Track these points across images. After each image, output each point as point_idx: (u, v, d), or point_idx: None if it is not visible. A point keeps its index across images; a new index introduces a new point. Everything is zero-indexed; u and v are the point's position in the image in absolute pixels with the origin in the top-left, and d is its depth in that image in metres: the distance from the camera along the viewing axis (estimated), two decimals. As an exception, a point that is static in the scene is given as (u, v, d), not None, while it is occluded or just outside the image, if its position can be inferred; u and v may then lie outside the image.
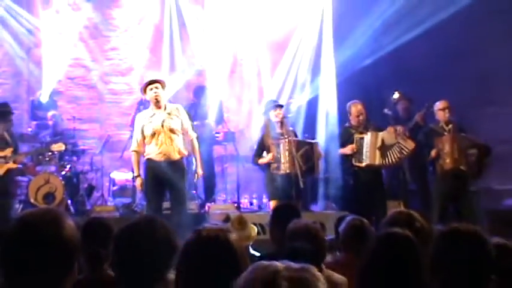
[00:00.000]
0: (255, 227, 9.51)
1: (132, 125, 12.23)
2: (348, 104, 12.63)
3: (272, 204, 11.48)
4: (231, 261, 3.26)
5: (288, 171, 11.78)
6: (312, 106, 15.25)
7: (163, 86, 10.93)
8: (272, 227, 7.25)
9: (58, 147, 12.60)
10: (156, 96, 10.81)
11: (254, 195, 14.13)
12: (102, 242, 5.10)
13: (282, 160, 11.87)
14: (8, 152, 12.35)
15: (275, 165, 11.93)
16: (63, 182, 13.02)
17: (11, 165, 12.32)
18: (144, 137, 10.89)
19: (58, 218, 3.09)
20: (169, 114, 10.90)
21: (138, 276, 3.82)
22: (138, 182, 11.22)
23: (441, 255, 3.71)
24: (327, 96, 15.33)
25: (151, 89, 10.84)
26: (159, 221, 4.14)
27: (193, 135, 11.27)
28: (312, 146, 12.17)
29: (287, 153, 11.85)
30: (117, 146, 14.63)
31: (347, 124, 12.67)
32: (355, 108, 12.39)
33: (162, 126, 10.80)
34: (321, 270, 5.39)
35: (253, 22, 15.73)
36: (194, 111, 13.72)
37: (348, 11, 15.21)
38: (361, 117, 12.34)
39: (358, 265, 4.22)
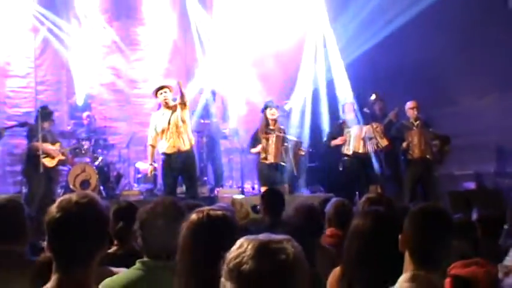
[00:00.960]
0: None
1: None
2: (342, 104, 13.17)
3: (262, 189, 11.64)
4: (231, 236, 2.90)
5: (273, 161, 12.01)
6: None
7: (171, 90, 11.13)
8: (263, 207, 7.48)
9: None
10: (165, 99, 11.05)
11: (255, 181, 14.26)
12: (129, 220, 4.90)
13: (269, 151, 12.09)
14: (57, 146, 12.57)
15: (263, 155, 12.13)
16: (96, 171, 13.20)
17: (60, 157, 12.55)
18: (157, 133, 11.15)
19: (92, 200, 3.09)
20: (173, 113, 11.12)
21: (158, 247, 3.85)
22: (150, 169, 11.77)
23: (414, 229, 3.55)
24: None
25: (161, 93, 11.09)
26: (174, 201, 4.23)
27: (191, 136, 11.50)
28: (296, 144, 12.47)
29: (273, 146, 12.09)
30: (141, 140, 14.52)
31: (340, 121, 13.12)
32: (348, 107, 13.02)
33: (169, 123, 11.03)
34: (318, 243, 5.62)
35: (258, 31, 15.59)
36: (206, 111, 13.94)
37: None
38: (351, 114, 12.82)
39: (344, 237, 4.19)
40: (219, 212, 3.33)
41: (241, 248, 2.33)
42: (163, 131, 11.05)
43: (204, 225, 3.23)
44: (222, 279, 2.32)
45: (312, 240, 4.99)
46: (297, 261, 2.30)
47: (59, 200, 3.12)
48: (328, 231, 6.26)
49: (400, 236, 3.62)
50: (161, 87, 11.21)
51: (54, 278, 3.00)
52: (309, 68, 15.66)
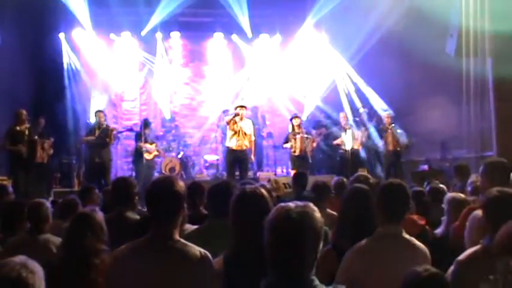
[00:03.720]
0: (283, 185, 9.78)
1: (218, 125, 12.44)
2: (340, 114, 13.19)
3: (292, 172, 11.70)
4: (265, 206, 3.05)
5: (298, 153, 12.10)
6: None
7: (245, 109, 11.21)
8: (293, 184, 7.56)
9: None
10: (242, 114, 11.09)
11: (284, 167, 14.25)
12: (199, 195, 5.06)
13: (296, 147, 12.14)
14: (153, 145, 12.72)
15: (293, 149, 12.20)
16: (179, 162, 13.32)
17: (155, 152, 12.68)
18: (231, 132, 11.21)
19: (175, 180, 3.11)
20: (243, 123, 11.17)
21: (220, 211, 3.85)
22: None
23: (383, 196, 3.56)
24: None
25: (241, 109, 11.14)
26: (231, 182, 4.27)
27: (252, 137, 11.44)
28: (313, 141, 12.52)
29: (299, 143, 12.14)
30: (207, 141, 14.85)
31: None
32: (342, 116, 13.08)
33: (241, 130, 11.09)
34: (324, 209, 5.55)
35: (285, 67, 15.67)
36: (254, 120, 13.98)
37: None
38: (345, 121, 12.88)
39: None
40: (252, 189, 3.28)
41: (276, 212, 2.36)
42: (234, 133, 11.11)
43: (246, 195, 3.20)
44: (265, 233, 2.36)
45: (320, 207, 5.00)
46: (314, 219, 2.34)
47: (152, 180, 3.21)
48: (334, 200, 6.13)
49: (375, 201, 3.66)
50: (241, 106, 11.25)
51: (151, 231, 3.07)
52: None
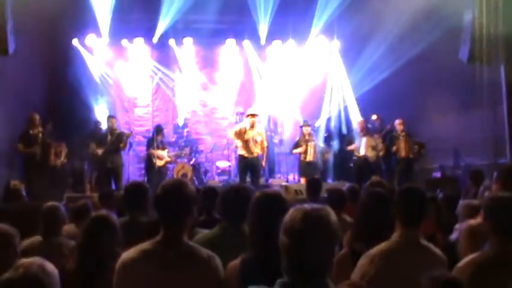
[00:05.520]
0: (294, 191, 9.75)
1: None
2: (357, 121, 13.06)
3: (302, 180, 11.71)
4: (283, 207, 2.95)
5: (311, 159, 12.07)
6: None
7: (256, 116, 11.21)
8: (307, 190, 7.39)
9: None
10: (253, 122, 11.08)
11: (296, 174, 14.17)
12: (212, 199, 5.08)
13: (309, 153, 12.14)
14: (165, 151, 12.75)
15: (304, 155, 12.20)
16: (191, 168, 13.31)
17: (167, 159, 12.70)
18: (241, 143, 11.19)
19: (185, 183, 3.11)
20: (255, 131, 11.16)
21: (234, 215, 3.85)
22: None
23: (399, 201, 3.50)
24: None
25: (251, 117, 11.13)
26: (245, 187, 4.20)
27: (265, 143, 11.42)
28: (325, 149, 12.52)
29: (313, 150, 12.13)
30: (220, 148, 14.77)
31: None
32: (359, 122, 12.98)
33: (252, 138, 11.07)
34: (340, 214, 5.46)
35: (296, 73, 15.65)
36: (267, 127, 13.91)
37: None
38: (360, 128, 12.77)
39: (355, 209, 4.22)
40: (273, 191, 3.32)
41: (293, 214, 2.35)
42: (246, 141, 11.10)
43: (268, 196, 3.21)
44: (281, 235, 2.35)
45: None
46: (330, 221, 2.33)
47: (161, 183, 3.18)
48: (348, 205, 6.05)
49: (392, 207, 3.60)
50: (253, 115, 11.25)
51: (159, 234, 3.07)
52: (331, 98, 15.56)
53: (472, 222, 4.19)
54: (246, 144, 11.13)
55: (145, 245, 3.06)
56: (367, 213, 3.85)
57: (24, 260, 2.44)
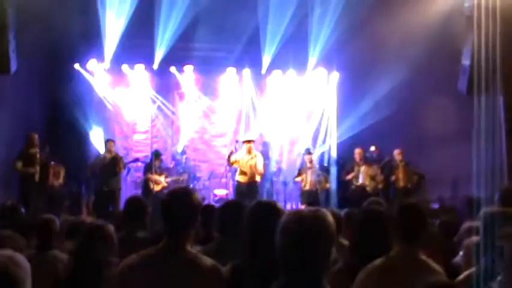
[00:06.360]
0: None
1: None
2: (355, 150, 13.01)
3: (302, 207, 11.65)
4: (277, 216, 2.77)
5: (308, 188, 12.05)
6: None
7: (253, 142, 11.27)
8: None
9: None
10: (249, 147, 11.12)
11: (293, 203, 14.09)
12: (211, 216, 5.02)
13: (307, 181, 12.13)
14: (163, 176, 12.70)
15: (303, 183, 12.20)
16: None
17: (164, 184, 12.64)
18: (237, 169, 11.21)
19: (191, 191, 3.18)
20: (252, 157, 11.17)
21: (229, 230, 3.94)
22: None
23: (399, 217, 3.48)
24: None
25: (247, 143, 11.16)
26: (241, 202, 4.31)
27: (261, 171, 11.45)
28: (324, 178, 12.50)
29: (309, 177, 12.14)
30: (218, 175, 14.77)
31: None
32: (357, 152, 12.85)
33: (247, 164, 11.09)
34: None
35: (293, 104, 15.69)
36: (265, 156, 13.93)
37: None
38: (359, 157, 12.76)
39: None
40: (268, 200, 3.32)
41: (290, 216, 2.38)
42: (243, 167, 11.14)
43: (262, 205, 3.22)
44: (277, 237, 2.36)
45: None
46: (326, 222, 2.35)
47: (169, 190, 3.18)
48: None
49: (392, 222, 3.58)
50: (249, 141, 11.35)
51: (162, 241, 3.06)
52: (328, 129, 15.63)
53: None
54: (243, 170, 11.15)
55: (147, 251, 3.06)
56: (364, 229, 3.83)
57: None
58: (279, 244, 2.34)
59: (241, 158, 11.29)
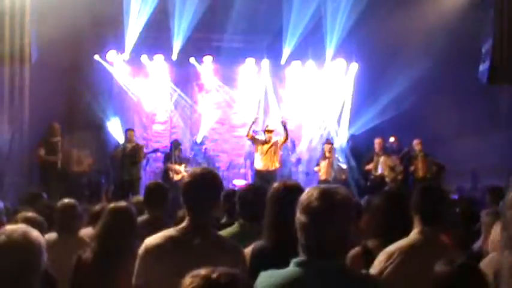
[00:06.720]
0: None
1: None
2: (375, 140, 12.96)
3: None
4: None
5: (324, 178, 12.06)
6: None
7: (273, 132, 11.34)
8: None
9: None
10: (269, 137, 11.17)
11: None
12: (233, 201, 4.60)
13: (324, 171, 12.14)
14: (182, 166, 12.74)
15: (320, 173, 12.21)
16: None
17: (183, 174, 12.65)
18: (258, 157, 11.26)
19: (214, 172, 3.20)
20: (271, 145, 11.23)
21: (251, 213, 3.95)
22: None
23: (419, 197, 3.49)
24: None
25: (268, 132, 11.21)
26: (262, 186, 4.32)
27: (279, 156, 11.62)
28: (342, 169, 12.50)
29: (325, 167, 12.18)
30: (237, 166, 14.86)
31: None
32: (377, 142, 12.77)
33: (267, 151, 11.13)
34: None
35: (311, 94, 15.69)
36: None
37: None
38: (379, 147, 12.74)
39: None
40: (292, 182, 3.34)
41: (310, 192, 2.36)
42: (262, 155, 11.18)
43: (282, 189, 3.22)
44: (297, 214, 2.36)
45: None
46: (346, 199, 2.34)
47: (190, 171, 3.20)
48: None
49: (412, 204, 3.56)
50: (270, 131, 11.59)
51: (185, 221, 3.08)
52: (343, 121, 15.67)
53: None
54: (262, 158, 11.19)
55: (171, 232, 3.07)
56: (382, 211, 3.84)
57: (8, 227, 2.43)
58: (298, 221, 2.34)
59: (261, 145, 11.39)
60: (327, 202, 2.29)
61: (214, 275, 1.72)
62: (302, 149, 15.33)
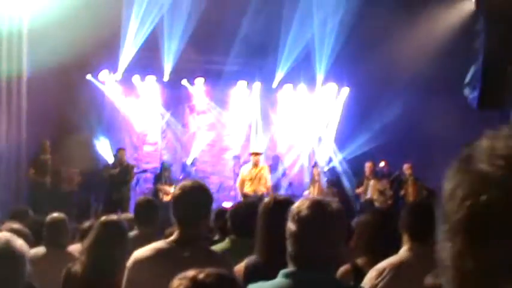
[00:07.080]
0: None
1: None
2: (365, 164, 13.01)
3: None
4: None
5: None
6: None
7: (260, 155, 11.32)
8: None
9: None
10: (257, 160, 11.16)
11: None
12: (225, 219, 4.76)
13: (314, 195, 12.19)
14: (172, 187, 12.68)
15: (311, 197, 12.25)
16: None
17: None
18: (244, 181, 11.21)
19: (203, 184, 3.22)
20: (259, 169, 11.21)
21: (242, 229, 3.96)
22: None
23: (408, 215, 3.52)
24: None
25: (255, 155, 11.24)
26: (254, 202, 4.33)
27: (269, 182, 11.57)
28: (331, 191, 12.55)
29: (315, 191, 12.22)
30: (227, 189, 14.82)
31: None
32: (368, 166, 12.80)
33: (255, 176, 11.11)
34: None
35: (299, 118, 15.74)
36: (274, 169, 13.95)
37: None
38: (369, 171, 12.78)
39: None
40: (284, 196, 3.34)
41: (301, 202, 2.36)
42: (250, 179, 11.17)
43: (273, 203, 3.19)
44: (288, 223, 2.34)
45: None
46: (338, 211, 2.33)
47: (180, 184, 3.22)
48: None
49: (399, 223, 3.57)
50: (257, 153, 11.50)
51: (176, 231, 3.08)
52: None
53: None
54: (250, 182, 11.19)
55: (160, 244, 3.07)
56: (370, 228, 3.83)
57: None
58: (289, 230, 2.31)
59: (248, 171, 11.37)
60: (317, 211, 2.28)
61: (201, 276, 1.72)
62: (291, 172, 15.37)
